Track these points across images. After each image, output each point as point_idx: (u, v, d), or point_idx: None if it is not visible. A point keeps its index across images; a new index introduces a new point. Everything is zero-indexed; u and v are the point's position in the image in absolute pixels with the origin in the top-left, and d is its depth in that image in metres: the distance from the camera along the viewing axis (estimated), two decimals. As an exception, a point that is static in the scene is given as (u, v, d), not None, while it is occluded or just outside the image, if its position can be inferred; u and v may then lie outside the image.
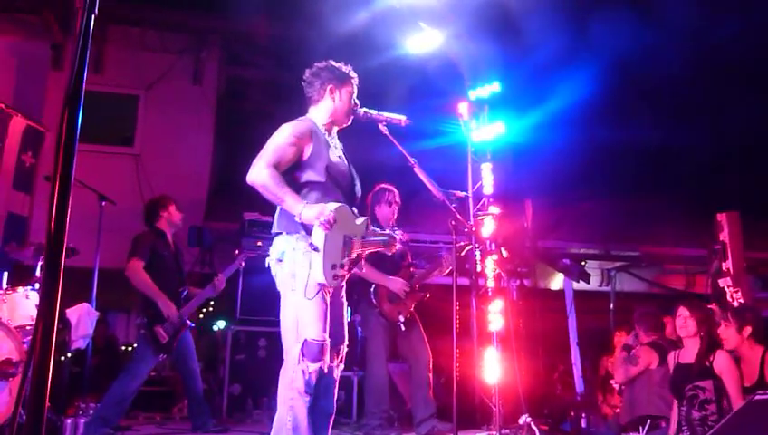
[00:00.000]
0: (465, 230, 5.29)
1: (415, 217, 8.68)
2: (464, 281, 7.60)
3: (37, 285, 5.47)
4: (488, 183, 7.78)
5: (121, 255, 6.09)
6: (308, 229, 3.51)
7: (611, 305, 10.63)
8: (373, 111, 4.06)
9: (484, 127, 7.91)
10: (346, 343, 3.88)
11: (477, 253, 7.36)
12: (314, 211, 3.44)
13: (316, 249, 3.43)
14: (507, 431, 6.20)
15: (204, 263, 9.68)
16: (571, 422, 7.37)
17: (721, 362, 5.11)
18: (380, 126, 4.09)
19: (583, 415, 7.27)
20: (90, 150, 9.58)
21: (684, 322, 5.31)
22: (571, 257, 10.00)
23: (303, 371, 3.48)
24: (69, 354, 6.37)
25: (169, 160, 10.64)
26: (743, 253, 7.35)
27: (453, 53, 7.92)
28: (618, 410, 6.94)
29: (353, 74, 4.01)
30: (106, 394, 5.75)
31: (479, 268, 7.45)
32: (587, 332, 9.75)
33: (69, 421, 5.50)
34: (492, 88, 7.85)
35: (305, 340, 3.49)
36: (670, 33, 9.43)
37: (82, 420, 5.54)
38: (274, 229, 3.72)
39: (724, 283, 7.08)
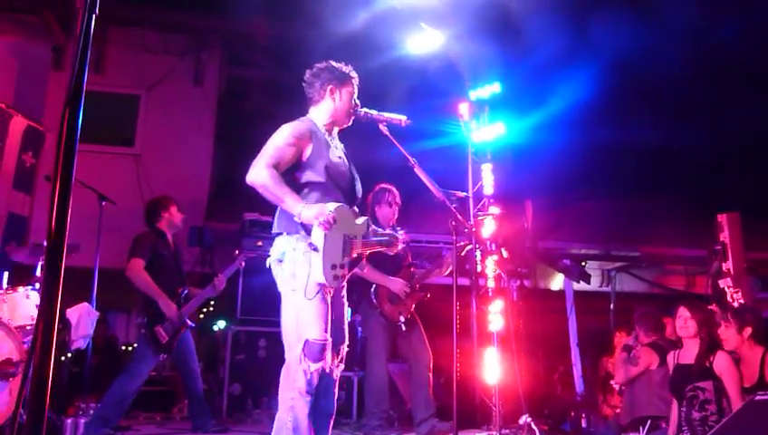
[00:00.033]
0: (466, 231, 5.28)
1: (415, 218, 8.69)
2: (464, 281, 7.60)
3: (37, 285, 5.47)
4: (488, 183, 7.79)
5: (122, 255, 6.10)
6: (308, 229, 3.51)
7: (611, 306, 10.64)
8: (374, 112, 4.06)
9: (485, 127, 7.92)
10: (346, 342, 3.88)
11: (478, 253, 7.36)
12: (313, 211, 3.44)
13: (315, 249, 3.44)
14: (507, 431, 6.20)
15: (204, 263, 9.68)
16: (571, 423, 7.37)
17: (721, 362, 5.11)
18: (381, 126, 4.09)
19: (583, 415, 7.27)
20: (90, 151, 9.59)
21: (684, 323, 5.31)
22: (571, 258, 10.01)
23: (305, 371, 3.48)
24: (69, 354, 6.37)
25: (170, 161, 10.64)
26: (743, 253, 7.34)
27: (453, 54, 7.93)
28: (618, 411, 6.94)
29: (354, 75, 4.01)
30: (106, 394, 5.76)
31: (479, 268, 7.45)
32: (587, 332, 9.75)
33: (69, 421, 5.50)
34: (492, 88, 7.86)
35: (306, 340, 3.49)
36: (670, 33, 9.43)
37: (83, 420, 5.55)
38: (275, 230, 3.72)
39: (724, 283, 7.08)
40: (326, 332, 3.54)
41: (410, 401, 6.66)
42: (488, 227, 7.47)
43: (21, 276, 5.80)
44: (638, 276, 11.29)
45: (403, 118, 4.10)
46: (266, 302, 6.92)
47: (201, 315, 9.52)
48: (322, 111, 3.93)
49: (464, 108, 7.88)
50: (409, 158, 4.26)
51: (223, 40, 11.55)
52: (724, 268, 7.24)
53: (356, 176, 3.98)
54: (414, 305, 6.37)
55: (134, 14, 10.76)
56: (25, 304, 5.37)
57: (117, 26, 10.83)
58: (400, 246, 3.97)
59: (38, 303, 4.89)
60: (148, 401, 7.50)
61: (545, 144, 9.31)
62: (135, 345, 6.61)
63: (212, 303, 9.05)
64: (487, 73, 7.94)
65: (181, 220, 6.48)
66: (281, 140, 3.66)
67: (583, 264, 9.82)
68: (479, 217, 7.58)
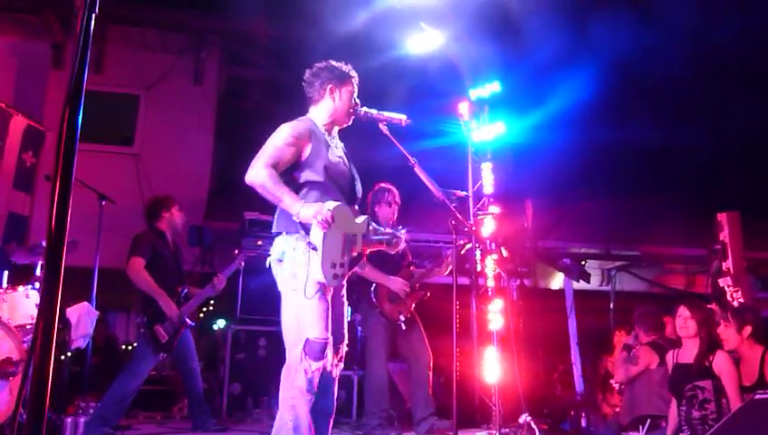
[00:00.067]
0: (466, 230, 5.29)
1: (415, 217, 8.68)
2: (464, 280, 7.61)
3: (37, 284, 5.47)
4: (488, 183, 7.79)
5: (121, 254, 6.11)
6: (307, 229, 3.51)
7: (611, 305, 10.64)
8: (374, 111, 4.05)
9: (485, 127, 7.92)
10: (345, 341, 3.88)
11: (477, 252, 7.37)
12: (312, 210, 3.44)
13: (314, 248, 3.44)
14: (507, 431, 6.20)
15: (204, 262, 9.68)
16: (570, 422, 7.37)
17: (720, 362, 5.11)
18: (381, 126, 4.09)
19: (583, 414, 7.28)
20: (90, 150, 9.59)
21: (684, 322, 5.31)
22: (571, 257, 10.00)
23: (306, 370, 3.48)
24: (69, 353, 6.38)
25: (170, 160, 10.64)
26: (743, 253, 7.34)
27: (453, 53, 7.92)
28: (617, 410, 6.95)
29: (353, 74, 4.00)
30: (106, 393, 5.76)
31: (479, 268, 7.45)
32: (587, 331, 9.74)
33: (69, 420, 5.50)
34: (492, 88, 7.86)
35: (307, 339, 3.49)
36: (670, 33, 9.42)
37: (83, 419, 5.55)
38: (274, 229, 3.72)
39: (724, 282, 7.08)
40: (327, 330, 3.55)
41: (410, 401, 6.67)
42: (488, 227, 7.48)
43: (21, 275, 5.80)
44: (638, 276, 11.29)
45: (403, 117, 4.10)
46: (266, 301, 6.93)
47: (201, 315, 9.52)
48: (322, 111, 3.93)
49: (464, 107, 7.89)
50: (409, 157, 4.26)
51: (223, 40, 11.54)
52: (723, 267, 7.24)
53: (356, 175, 3.98)
54: (414, 305, 6.37)
55: (134, 14, 10.75)
56: (25, 303, 5.37)
57: (116, 25, 10.83)
58: (402, 245, 3.96)
59: (38, 302, 4.90)
60: (149, 400, 7.51)
61: (545, 143, 9.31)
62: (135, 345, 6.61)
63: (212, 302, 9.05)
64: (487, 73, 7.94)
65: (182, 221, 6.48)
66: (280, 139, 3.66)
67: (583, 263, 9.82)
68: (479, 217, 7.58)
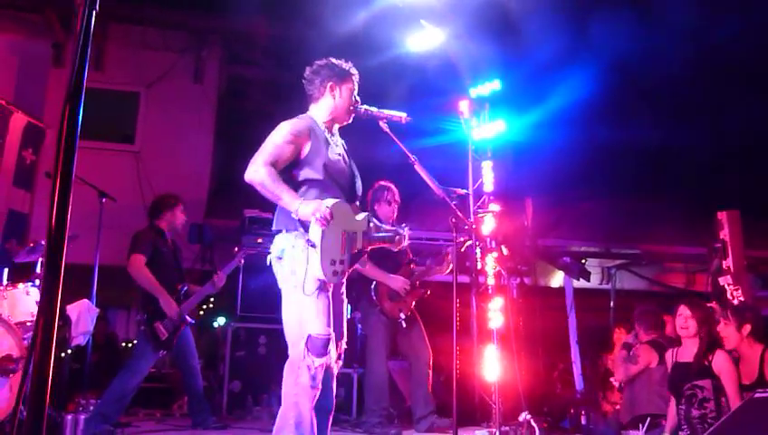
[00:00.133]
0: (466, 228, 5.29)
1: (415, 215, 8.69)
2: (464, 279, 7.61)
3: (38, 282, 5.47)
4: (489, 181, 7.80)
5: (121, 252, 6.11)
6: (306, 226, 3.51)
7: (611, 303, 10.65)
8: (374, 109, 4.05)
9: (485, 125, 7.92)
10: (345, 339, 3.88)
11: (478, 250, 7.37)
12: (310, 208, 3.44)
13: (313, 245, 3.44)
14: (507, 429, 6.20)
15: (204, 260, 9.68)
16: (570, 420, 7.37)
17: (720, 361, 5.11)
18: (381, 123, 4.09)
19: (583, 412, 7.27)
20: (90, 147, 9.59)
21: (684, 321, 5.31)
22: (571, 255, 10.01)
23: (309, 366, 3.48)
24: (69, 351, 6.38)
25: (170, 158, 10.64)
26: (743, 251, 7.34)
27: (454, 51, 7.92)
28: (617, 407, 6.95)
29: (354, 71, 4.00)
30: (106, 391, 5.77)
31: (479, 266, 7.45)
32: (587, 330, 9.75)
33: (69, 418, 5.49)
34: (492, 86, 7.86)
35: (309, 335, 3.50)
36: (670, 33, 9.42)
37: (83, 417, 5.54)
38: (274, 227, 3.73)
39: (724, 281, 7.08)
40: (329, 326, 3.55)
41: (410, 399, 6.68)
42: (488, 225, 7.48)
43: (21, 273, 5.80)
44: (638, 274, 11.28)
45: (403, 115, 4.10)
46: (266, 299, 6.94)
47: (201, 312, 9.52)
48: (322, 109, 3.93)
49: (464, 105, 7.89)
50: (410, 155, 4.26)
51: (223, 39, 11.54)
52: (724, 266, 7.24)
53: (356, 173, 3.98)
54: (414, 303, 6.38)
55: (134, 13, 10.75)
56: (25, 300, 5.37)
57: (117, 24, 10.83)
58: (406, 243, 3.96)
59: (38, 299, 4.90)
60: (148, 397, 7.51)
61: (546, 142, 9.32)
62: (135, 342, 6.61)
63: (212, 299, 9.05)
64: (487, 71, 7.95)
65: (183, 222, 6.48)
66: (279, 137, 3.66)
67: (583, 261, 9.82)
68: (479, 215, 7.58)
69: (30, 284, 5.45)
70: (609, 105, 10.54)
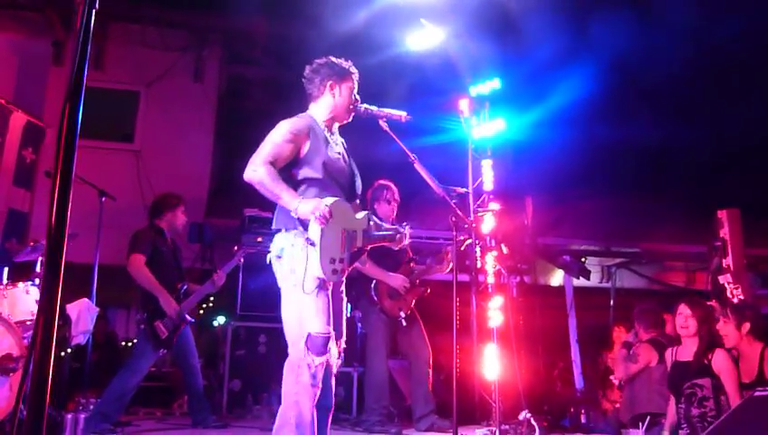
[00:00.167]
0: (466, 227, 5.29)
1: (415, 214, 8.69)
2: (464, 277, 7.62)
3: (38, 281, 5.47)
4: (488, 180, 7.80)
5: (121, 251, 6.11)
6: (305, 225, 3.51)
7: (611, 302, 10.65)
8: (374, 107, 4.05)
9: (485, 124, 7.93)
10: (344, 338, 3.88)
11: (477, 249, 7.37)
12: (309, 206, 3.44)
13: (312, 244, 3.44)
14: (507, 427, 6.21)
15: (204, 259, 9.68)
16: (570, 418, 7.38)
17: (719, 360, 5.12)
18: (381, 122, 4.08)
19: (583, 411, 7.28)
20: (90, 146, 9.58)
21: (685, 320, 5.31)
22: (571, 254, 10.01)
23: (309, 364, 3.48)
24: (69, 350, 6.37)
25: (170, 157, 10.64)
26: (743, 250, 7.35)
27: (453, 50, 7.92)
28: (617, 406, 6.95)
29: (353, 70, 4.00)
30: (106, 390, 5.76)
31: (479, 265, 7.46)
32: (587, 328, 9.76)
33: (69, 417, 5.49)
34: (492, 84, 7.86)
35: (309, 333, 3.49)
36: (670, 32, 9.42)
37: (83, 416, 5.53)
38: (274, 226, 3.73)
39: (724, 279, 7.08)
40: (328, 325, 3.55)
41: (410, 397, 6.68)
42: (488, 224, 7.48)
43: (21, 272, 5.80)
44: (638, 273, 11.29)
45: (403, 114, 4.09)
46: (266, 298, 6.93)
47: (201, 311, 9.52)
48: (322, 107, 3.93)
49: (464, 104, 7.89)
50: (409, 153, 4.26)
51: (223, 38, 11.53)
52: (723, 264, 7.25)
53: (356, 172, 3.98)
54: (414, 301, 6.38)
55: (134, 12, 10.75)
56: (25, 299, 5.37)
57: (117, 22, 10.82)
58: (407, 241, 3.96)
59: (38, 298, 4.90)
60: (148, 396, 7.51)
61: (545, 140, 9.32)
62: (135, 341, 6.61)
63: (212, 298, 9.04)
64: (487, 70, 7.95)
65: (183, 224, 6.48)
66: (278, 136, 3.66)
67: (583, 260, 9.82)
68: (479, 214, 7.59)
69: (30, 283, 5.45)
70: (609, 104, 10.54)
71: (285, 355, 3.60)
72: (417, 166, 4.29)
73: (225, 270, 6.29)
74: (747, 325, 5.35)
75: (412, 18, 7.52)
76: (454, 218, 4.51)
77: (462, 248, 6.72)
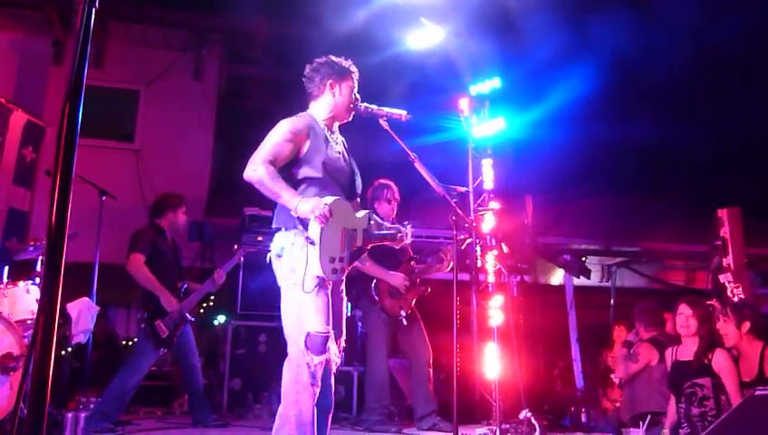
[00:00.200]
0: (466, 226, 5.29)
1: (415, 213, 8.69)
2: (464, 276, 7.62)
3: (38, 280, 5.47)
4: (489, 179, 7.81)
5: (122, 250, 6.11)
6: (305, 224, 3.51)
7: (612, 301, 10.65)
8: (374, 106, 4.04)
9: (485, 123, 7.93)
10: (344, 337, 3.88)
11: (478, 248, 7.37)
12: (309, 205, 3.44)
13: (312, 243, 3.44)
14: (507, 426, 6.20)
15: (204, 258, 9.68)
16: (571, 417, 7.38)
17: (719, 360, 5.12)
18: (381, 121, 4.08)
19: (583, 410, 7.28)
20: (90, 145, 9.59)
21: (685, 320, 5.31)
22: (571, 253, 10.01)
23: (308, 363, 3.48)
24: (69, 349, 6.36)
25: (170, 156, 10.63)
26: (743, 249, 7.35)
27: (454, 49, 7.92)
28: (618, 405, 6.95)
29: (354, 69, 3.99)
30: (106, 389, 5.77)
31: (479, 264, 7.46)
32: (587, 327, 9.76)
33: (70, 416, 5.49)
34: (492, 83, 7.87)
35: (308, 333, 3.49)
36: (670, 32, 9.42)
37: (83, 415, 5.53)
38: (274, 225, 3.73)
39: (724, 278, 7.08)
40: (327, 324, 3.55)
41: (411, 397, 6.68)
42: (488, 223, 7.48)
43: (21, 271, 5.80)
44: (639, 272, 11.28)
45: (403, 113, 4.09)
46: (266, 297, 6.92)
47: (201, 310, 9.52)
48: (322, 106, 3.93)
49: (464, 103, 7.90)
50: (410, 152, 4.26)
51: (223, 38, 11.53)
52: (724, 263, 7.25)
53: (356, 171, 3.98)
54: (415, 300, 6.37)
55: (135, 12, 10.75)
56: (26, 298, 5.37)
57: (117, 21, 10.82)
58: (409, 240, 3.95)
59: (38, 297, 4.90)
60: (149, 395, 7.50)
61: (546, 140, 9.32)
62: (135, 340, 6.61)
63: (212, 297, 9.03)
64: (487, 69, 7.95)
65: (184, 224, 6.49)
66: (278, 135, 3.66)
67: (583, 259, 9.83)
68: (479, 213, 7.59)
69: (30, 282, 5.45)
70: (609, 103, 10.55)
71: (285, 354, 3.60)
72: (418, 165, 4.29)
73: (225, 269, 6.29)
74: (747, 324, 5.35)
75: (412, 17, 7.52)
76: (454, 217, 4.51)
77: (462, 247, 6.71)
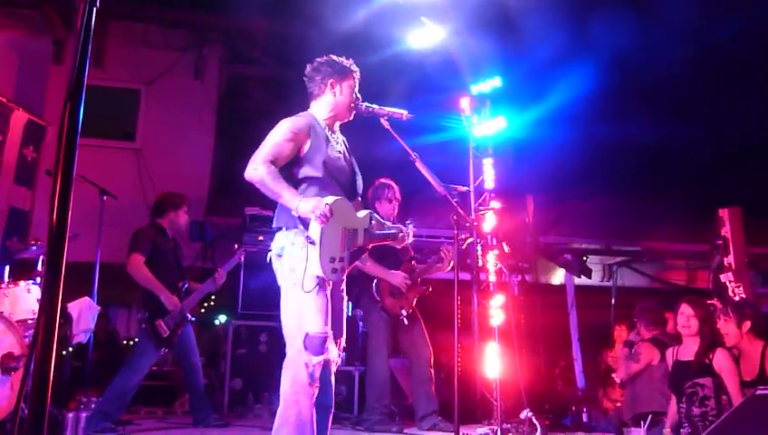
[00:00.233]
0: (467, 225, 5.29)
1: (416, 212, 8.69)
2: (465, 276, 7.62)
3: (39, 279, 5.47)
4: (489, 178, 7.81)
5: (122, 249, 6.11)
6: (306, 224, 3.51)
7: (613, 301, 10.65)
8: (375, 106, 4.04)
9: (486, 122, 7.93)
10: (344, 337, 3.88)
11: (479, 248, 7.37)
12: (310, 205, 3.43)
13: (312, 242, 3.43)
14: (508, 426, 6.20)
15: (205, 258, 9.68)
16: (571, 417, 7.38)
17: (720, 360, 5.11)
18: (382, 120, 4.08)
19: (584, 410, 7.28)
20: (91, 145, 9.58)
21: (686, 320, 5.30)
22: (572, 252, 10.01)
23: (307, 363, 3.48)
24: (70, 349, 6.37)
25: (171, 155, 10.63)
26: (744, 248, 7.35)
27: (454, 49, 7.92)
28: (619, 405, 6.95)
29: (354, 68, 3.99)
30: (107, 388, 5.77)
31: (480, 263, 7.45)
32: (588, 327, 9.76)
33: (70, 415, 5.49)
34: (493, 83, 7.87)
35: (307, 333, 3.49)
36: (670, 32, 9.42)
37: (84, 414, 5.53)
38: (275, 225, 3.72)
39: (725, 278, 7.08)
40: (326, 324, 3.54)
41: (412, 397, 6.67)
42: (489, 222, 7.48)
43: (22, 270, 5.80)
44: (640, 271, 11.29)
45: (404, 112, 4.09)
46: (267, 296, 6.91)
47: (202, 310, 9.52)
48: (323, 106, 3.92)
49: (465, 102, 7.90)
50: (411, 152, 4.25)
51: (224, 37, 11.53)
52: (725, 263, 7.25)
53: (357, 170, 3.98)
54: (415, 300, 6.37)
55: (136, 12, 10.75)
56: (27, 298, 5.37)
57: (117, 20, 10.82)
58: (410, 240, 3.95)
59: (39, 297, 4.90)
60: (150, 395, 7.50)
61: (546, 139, 9.32)
62: (136, 340, 6.61)
63: (213, 297, 9.04)
64: (488, 68, 7.95)
65: (185, 223, 6.48)
66: (279, 135, 3.66)
67: (584, 258, 9.82)
68: (480, 212, 7.59)
69: (31, 281, 5.45)
70: (609, 103, 10.54)
71: (286, 354, 3.60)
72: (418, 164, 4.29)
73: (225, 269, 6.29)
74: (748, 324, 5.35)
75: (413, 16, 7.51)
76: (455, 217, 4.50)
77: (463, 247, 6.71)
